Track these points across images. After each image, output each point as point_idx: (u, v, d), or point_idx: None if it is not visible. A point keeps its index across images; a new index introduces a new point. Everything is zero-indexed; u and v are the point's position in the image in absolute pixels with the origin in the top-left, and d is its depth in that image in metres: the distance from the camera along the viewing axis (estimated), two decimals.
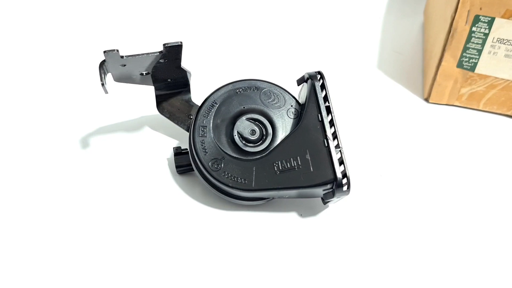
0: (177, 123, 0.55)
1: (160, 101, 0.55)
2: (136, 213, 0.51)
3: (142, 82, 0.53)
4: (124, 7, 0.71)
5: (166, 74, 0.52)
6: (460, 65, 0.59)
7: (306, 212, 0.52)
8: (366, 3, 0.73)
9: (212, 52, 0.66)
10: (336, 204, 0.52)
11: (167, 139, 0.57)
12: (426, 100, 0.63)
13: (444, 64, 0.60)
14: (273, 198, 0.51)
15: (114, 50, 0.46)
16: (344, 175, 0.47)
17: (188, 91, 0.55)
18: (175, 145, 0.55)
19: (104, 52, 0.45)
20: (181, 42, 0.48)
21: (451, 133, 0.59)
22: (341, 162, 0.47)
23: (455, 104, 0.63)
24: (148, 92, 0.57)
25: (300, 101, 0.52)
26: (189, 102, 0.56)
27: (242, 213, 0.51)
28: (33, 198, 0.52)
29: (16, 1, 0.70)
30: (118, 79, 0.51)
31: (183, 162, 0.52)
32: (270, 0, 0.73)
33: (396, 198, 0.53)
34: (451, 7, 0.58)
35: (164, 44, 0.47)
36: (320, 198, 0.50)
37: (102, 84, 0.47)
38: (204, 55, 0.65)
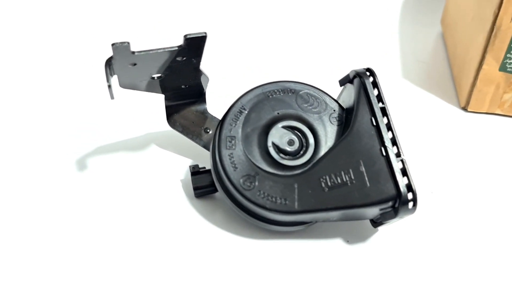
0: (191, 138, 0.45)
1: (171, 113, 0.45)
2: (149, 245, 0.40)
3: (150, 89, 0.42)
4: (133, 5, 0.61)
5: (181, 79, 0.42)
6: (503, 68, 0.51)
7: (354, 238, 0.41)
8: (378, 15, 0.65)
9: (226, 55, 0.56)
10: (386, 226, 0.42)
11: (179, 158, 0.47)
12: (464, 108, 0.54)
13: (485, 67, 0.51)
14: (316, 221, 0.40)
15: (124, 42, 0.35)
16: (409, 188, 0.37)
17: (203, 101, 0.45)
18: (190, 164, 0.44)
19: (113, 45, 0.35)
20: (205, 33, 0.37)
21: (494, 144, 0.51)
22: (405, 173, 0.37)
23: (496, 112, 0.54)
24: (154, 103, 0.46)
25: (343, 105, 0.41)
26: (204, 114, 0.45)
27: (276, 242, 0.41)
28: (35, 225, 0.41)
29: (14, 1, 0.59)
30: (125, 84, 0.40)
31: (203, 183, 0.42)
32: (292, 6, 0.64)
33: (452, 217, 0.44)
34: (492, 4, 0.49)
35: (185, 36, 0.37)
36: (368, 220, 0.40)
37: (109, 86, 0.36)
38: (217, 58, 0.54)
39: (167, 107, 0.45)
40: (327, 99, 0.41)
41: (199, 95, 0.45)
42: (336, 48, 0.60)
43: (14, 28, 0.58)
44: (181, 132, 0.45)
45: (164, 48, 0.37)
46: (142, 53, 0.37)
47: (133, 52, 0.37)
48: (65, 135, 0.47)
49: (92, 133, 0.47)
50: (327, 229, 0.42)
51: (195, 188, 0.42)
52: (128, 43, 0.36)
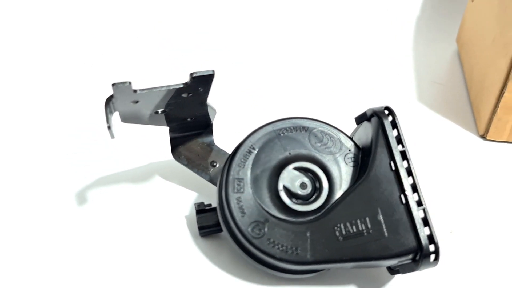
0: (197, 172, 0.42)
1: (176, 144, 0.41)
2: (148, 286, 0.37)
3: (154, 122, 0.39)
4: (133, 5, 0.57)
5: (186, 112, 0.39)
6: None
7: (368, 285, 0.38)
8: (389, 33, 0.61)
9: (237, 86, 0.52)
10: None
11: (185, 191, 0.44)
12: (483, 137, 0.51)
13: (507, 95, 0.48)
14: (328, 269, 0.36)
15: (125, 82, 0.32)
16: (431, 240, 0.34)
17: (210, 132, 0.42)
18: (195, 200, 0.41)
19: (113, 85, 0.32)
20: (213, 71, 0.34)
21: None
22: (426, 223, 0.34)
23: None
24: (160, 132, 0.43)
25: (358, 144, 0.38)
26: (211, 146, 0.42)
27: None
28: (29, 262, 0.38)
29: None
30: (126, 119, 0.37)
31: (208, 222, 0.39)
32: (300, 31, 0.60)
33: (473, 259, 0.40)
34: None
35: (191, 74, 0.33)
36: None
37: (109, 127, 0.33)
38: (227, 88, 0.51)
39: (171, 139, 0.42)
40: (342, 138, 0.38)
41: (206, 127, 0.42)
42: (349, 72, 0.56)
43: (15, 32, 0.55)
44: (186, 165, 0.42)
45: (168, 86, 0.34)
46: (144, 91, 0.33)
47: (135, 91, 0.33)
48: (69, 164, 0.44)
49: (96, 163, 0.44)
50: (340, 275, 0.38)
51: (200, 228, 0.39)
52: (130, 82, 0.32)
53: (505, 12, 0.48)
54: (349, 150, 0.38)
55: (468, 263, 0.41)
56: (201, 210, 0.39)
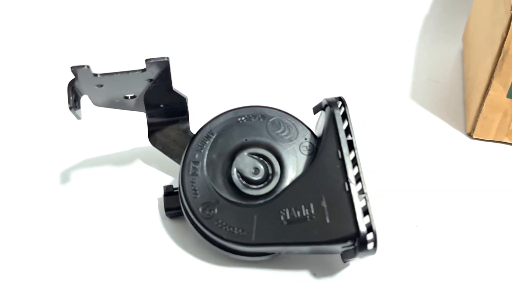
0: (171, 157, 0.44)
1: (153, 130, 0.44)
2: (113, 262, 0.40)
3: (128, 107, 0.41)
4: (116, 21, 0.60)
5: (158, 98, 0.41)
6: (511, 94, 0.47)
7: (322, 271, 0.39)
8: (397, 26, 0.61)
9: (217, 74, 0.54)
10: (360, 262, 0.39)
11: (162, 176, 0.45)
12: (469, 135, 0.50)
13: (492, 93, 0.47)
14: (279, 253, 0.38)
15: (84, 66, 0.34)
16: (370, 229, 0.34)
17: (187, 119, 0.44)
18: (167, 183, 0.43)
19: (72, 68, 0.34)
20: (167, 58, 0.36)
21: (498, 174, 0.47)
22: (366, 212, 0.35)
23: (504, 140, 0.50)
24: (143, 119, 0.45)
25: (317, 134, 0.39)
26: (187, 133, 0.44)
27: (242, 270, 0.39)
28: (8, 237, 0.41)
29: None
30: (98, 103, 0.40)
31: (174, 204, 0.40)
32: (289, 17, 0.61)
33: (435, 255, 0.40)
34: (501, 26, 0.45)
35: (146, 60, 0.36)
36: (339, 254, 0.37)
37: (70, 108, 0.35)
38: (207, 77, 0.53)
39: (148, 124, 0.44)
40: (300, 127, 0.39)
41: (182, 114, 0.44)
42: (348, 66, 0.57)
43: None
44: (161, 150, 0.44)
45: (128, 71, 0.36)
46: (105, 75, 0.36)
47: (96, 75, 0.36)
48: (53, 144, 0.47)
49: (78, 146, 0.47)
50: (294, 261, 0.40)
51: (166, 209, 0.41)
52: (88, 66, 0.35)
53: (496, 9, 0.48)
54: (305, 139, 0.39)
55: (429, 255, 0.41)
56: (169, 192, 0.41)
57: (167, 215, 0.41)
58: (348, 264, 0.39)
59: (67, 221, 0.43)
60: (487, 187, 0.46)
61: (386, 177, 0.45)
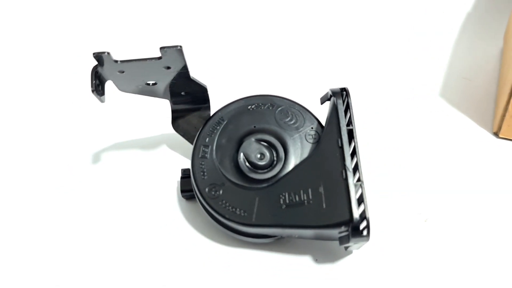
0: (192, 143, 0.46)
1: (177, 117, 0.46)
2: (129, 237, 0.43)
3: (152, 94, 0.44)
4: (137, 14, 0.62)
5: (178, 86, 0.43)
6: None
7: (324, 257, 0.40)
8: (438, 22, 0.60)
9: (233, 64, 0.56)
10: (362, 252, 0.40)
11: (183, 160, 0.48)
12: (495, 134, 0.49)
13: None
14: (281, 237, 0.39)
15: (104, 52, 0.37)
16: (364, 216, 0.35)
17: (208, 108, 0.46)
18: (187, 167, 0.46)
19: (94, 54, 0.37)
20: (180, 46, 0.38)
21: None
22: (361, 200, 0.35)
23: None
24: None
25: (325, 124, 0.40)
26: None
27: (246, 251, 0.41)
28: (34, 207, 0.45)
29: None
30: (123, 89, 0.43)
31: (189, 187, 0.43)
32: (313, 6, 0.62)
33: (441, 252, 0.40)
34: None
35: (160, 48, 0.38)
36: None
37: (93, 91, 0.39)
38: (223, 68, 0.55)
39: (172, 111, 0.47)
40: (307, 116, 0.41)
41: (204, 102, 0.46)
42: (382, 59, 0.56)
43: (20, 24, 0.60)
44: (183, 136, 0.47)
45: (145, 58, 0.39)
46: (125, 62, 0.39)
47: (116, 61, 0.39)
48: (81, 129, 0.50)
49: (110, 130, 0.50)
50: (297, 245, 0.41)
51: (182, 191, 0.44)
52: (108, 53, 0.38)
53: None
54: (312, 128, 0.40)
55: (438, 251, 0.41)
56: (185, 175, 0.44)
57: (183, 196, 0.44)
58: (351, 252, 0.40)
59: (95, 198, 0.46)
60: (509, 186, 0.46)
61: (408, 173, 0.46)
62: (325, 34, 0.59)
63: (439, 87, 0.55)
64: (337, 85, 0.41)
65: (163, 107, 0.49)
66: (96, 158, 0.49)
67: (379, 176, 0.45)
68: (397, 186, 0.45)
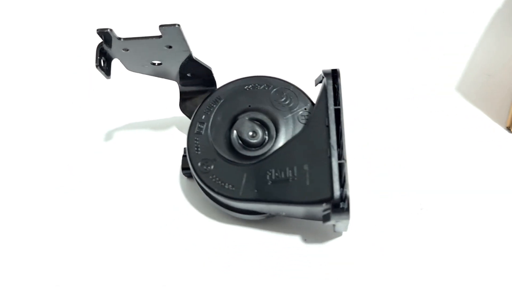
0: None
1: (185, 98, 0.48)
2: (130, 213, 0.45)
3: (158, 74, 0.46)
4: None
5: (181, 68, 0.45)
6: None
7: (313, 237, 0.40)
8: (465, 17, 0.59)
9: (234, 45, 0.56)
10: (351, 234, 0.40)
11: None
12: (508, 129, 0.48)
13: None
14: (270, 214, 0.40)
15: (107, 29, 0.39)
16: (345, 194, 0.35)
17: (215, 90, 0.47)
18: None
19: (97, 30, 0.39)
20: (178, 25, 0.40)
21: None
22: (343, 178, 0.36)
23: None
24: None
25: None
26: None
27: (238, 228, 0.42)
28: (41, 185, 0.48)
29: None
30: (130, 68, 0.45)
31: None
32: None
33: (435, 241, 0.40)
34: None
35: (160, 26, 0.40)
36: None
37: (97, 66, 0.41)
38: (225, 49, 0.55)
39: (181, 93, 0.48)
40: (302, 97, 0.41)
41: (210, 84, 0.47)
42: (406, 51, 0.56)
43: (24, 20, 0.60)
44: (189, 117, 0.48)
45: (146, 37, 0.41)
46: (128, 40, 0.41)
47: (119, 38, 0.41)
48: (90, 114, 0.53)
49: (116, 111, 0.52)
50: (288, 225, 0.41)
51: (182, 168, 0.45)
52: (111, 29, 0.40)
53: None
54: (305, 109, 0.41)
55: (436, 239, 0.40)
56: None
57: (184, 174, 0.45)
58: (340, 234, 0.40)
59: (105, 174, 0.48)
60: None
61: (411, 171, 0.46)
62: (332, 27, 0.59)
63: (456, 81, 0.54)
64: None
65: (172, 90, 0.51)
66: (106, 137, 0.51)
67: (379, 176, 0.44)
68: (400, 185, 0.44)
